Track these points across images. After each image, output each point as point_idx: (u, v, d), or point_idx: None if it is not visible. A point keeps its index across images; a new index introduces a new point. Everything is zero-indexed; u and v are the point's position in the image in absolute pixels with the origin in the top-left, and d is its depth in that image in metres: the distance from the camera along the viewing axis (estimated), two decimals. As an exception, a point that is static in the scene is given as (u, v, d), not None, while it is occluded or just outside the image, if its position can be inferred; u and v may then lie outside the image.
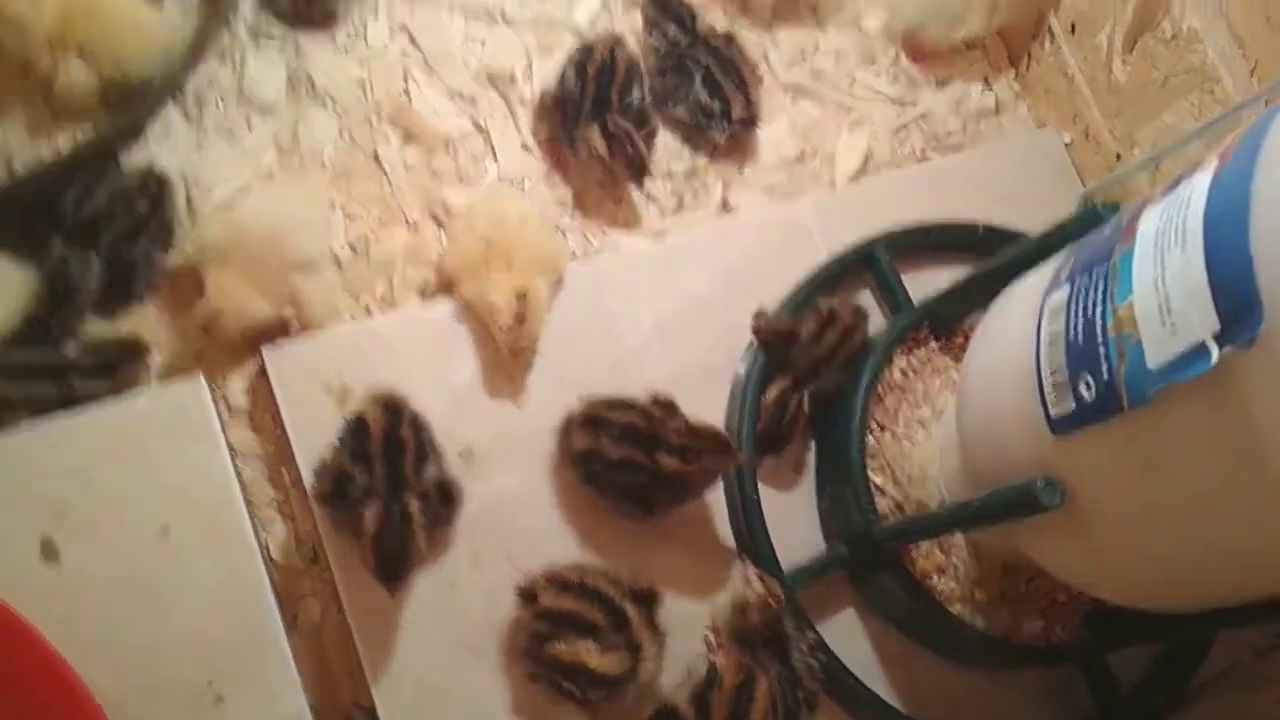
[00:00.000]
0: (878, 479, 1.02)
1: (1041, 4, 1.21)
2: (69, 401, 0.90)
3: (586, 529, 0.97)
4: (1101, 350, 0.68)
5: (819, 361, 1.03)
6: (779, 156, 1.18)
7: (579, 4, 1.16)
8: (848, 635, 1.00)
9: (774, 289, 1.08)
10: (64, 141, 0.99)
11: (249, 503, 0.92)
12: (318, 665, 0.92)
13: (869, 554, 0.97)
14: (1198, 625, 0.87)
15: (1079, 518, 0.75)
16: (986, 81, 1.27)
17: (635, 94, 1.10)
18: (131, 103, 0.99)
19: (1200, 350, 0.60)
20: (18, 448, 0.88)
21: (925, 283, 1.11)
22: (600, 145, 1.06)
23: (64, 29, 0.95)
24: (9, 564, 0.85)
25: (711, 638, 0.90)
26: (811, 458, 1.06)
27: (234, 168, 1.02)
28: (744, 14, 1.22)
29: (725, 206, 1.15)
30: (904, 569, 0.96)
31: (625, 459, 0.93)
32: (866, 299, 1.11)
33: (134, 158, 1.00)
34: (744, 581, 0.91)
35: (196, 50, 0.98)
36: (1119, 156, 1.17)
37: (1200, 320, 0.60)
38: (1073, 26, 1.19)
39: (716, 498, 1.01)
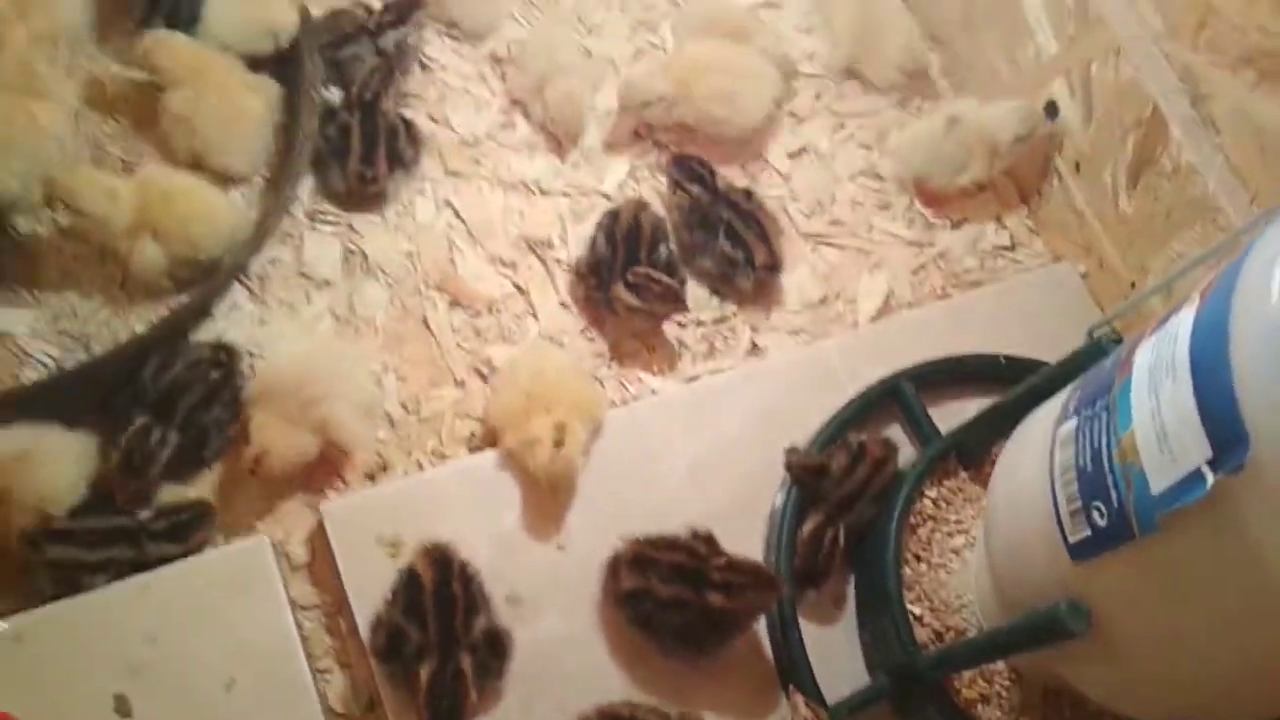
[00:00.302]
0: (916, 609, 1.04)
1: (1044, 146, 1.28)
2: (142, 564, 0.96)
3: (634, 667, 1.00)
4: (1109, 478, 0.72)
5: (852, 495, 1.07)
6: (803, 300, 1.24)
7: (608, 172, 1.25)
8: (895, 768, 1.00)
9: (804, 426, 1.12)
10: (138, 320, 1.08)
11: (309, 654, 0.97)
12: (376, 813, 0.95)
13: (912, 685, 0.99)
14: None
15: (1107, 641, 0.76)
16: (1000, 219, 1.33)
17: (662, 250, 1.18)
18: (201, 282, 1.08)
19: (1197, 476, 0.63)
20: (93, 608, 0.94)
21: (952, 414, 1.15)
22: (629, 297, 1.13)
23: (140, 215, 1.05)
24: (85, 720, 0.90)
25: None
26: (851, 589, 1.09)
27: (294, 338, 1.11)
28: (761, 173, 1.30)
29: (754, 349, 1.21)
30: (948, 699, 0.97)
31: (675, 597, 0.96)
32: (895, 432, 1.15)
33: (203, 333, 1.08)
34: (792, 712, 0.93)
35: (261, 233, 1.07)
36: (1133, 284, 1.22)
37: (1195, 447, 0.64)
38: (1077, 165, 1.26)
39: (760, 632, 1.03)
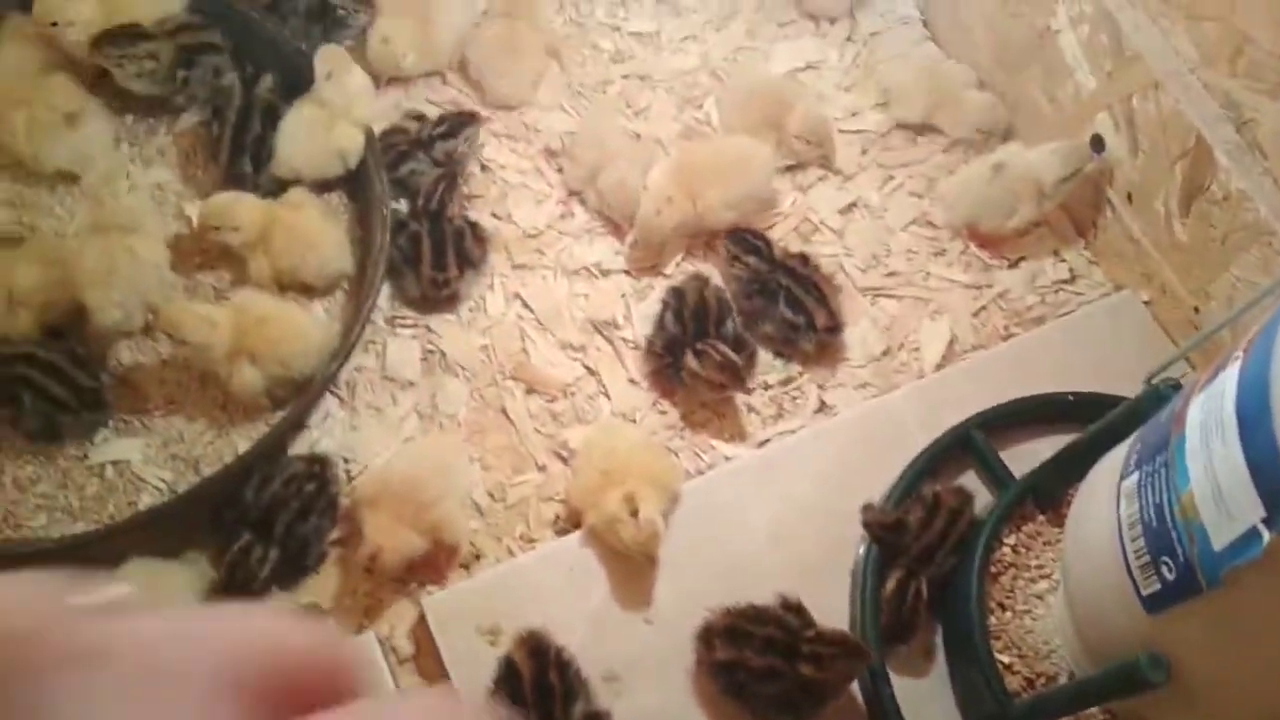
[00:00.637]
0: (1005, 658, 1.05)
1: (1095, 178, 1.29)
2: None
3: (730, 737, 1.03)
4: (1174, 534, 0.73)
5: (931, 547, 1.08)
6: (867, 354, 1.27)
7: (666, 254, 1.30)
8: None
9: (878, 479, 1.15)
10: (240, 438, 1.15)
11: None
12: None
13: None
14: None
15: (1187, 686, 0.78)
16: (1057, 253, 1.34)
17: (729, 325, 1.22)
18: (295, 397, 1.15)
19: (1254, 534, 0.65)
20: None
21: (1025, 455, 1.16)
22: (696, 365, 1.17)
23: (238, 341, 1.12)
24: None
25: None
26: (939, 639, 1.11)
27: (383, 440, 1.17)
28: (814, 234, 1.33)
29: (822, 407, 1.24)
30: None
31: (768, 668, 0.99)
32: (969, 479, 1.17)
33: (300, 444, 1.16)
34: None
35: (347, 345, 1.14)
36: (1196, 309, 1.22)
37: (1249, 506, 0.65)
38: (1129, 196, 1.26)
39: (854, 690, 1.05)
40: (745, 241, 1.26)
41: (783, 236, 1.31)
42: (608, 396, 1.22)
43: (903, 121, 1.40)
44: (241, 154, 1.23)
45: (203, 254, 1.25)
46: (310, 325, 1.16)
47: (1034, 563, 1.10)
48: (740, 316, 1.24)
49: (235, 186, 1.22)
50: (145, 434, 1.15)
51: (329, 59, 1.24)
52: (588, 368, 1.24)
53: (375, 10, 1.36)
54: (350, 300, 1.23)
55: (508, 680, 0.96)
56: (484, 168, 1.33)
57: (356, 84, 1.26)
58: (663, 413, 1.22)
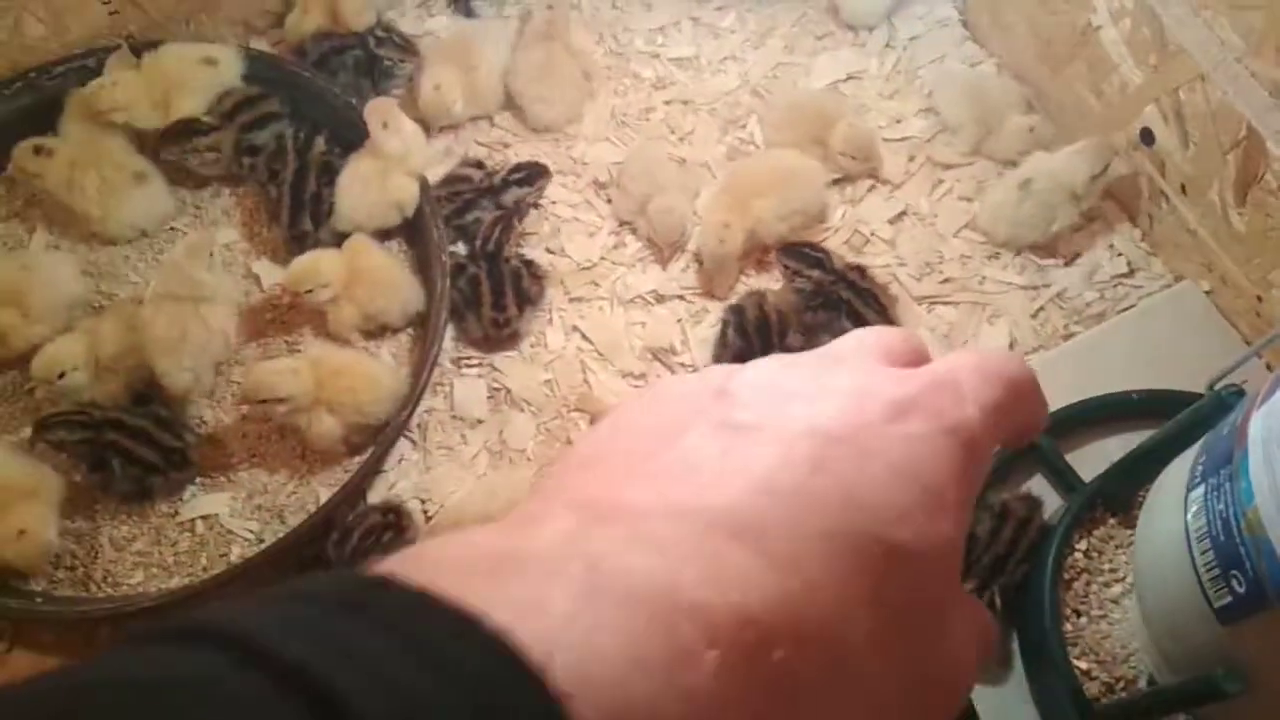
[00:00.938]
0: (1082, 664, 1.05)
1: (1131, 167, 1.28)
2: None
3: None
4: (1241, 549, 0.73)
5: (1002, 557, 1.09)
6: (926, 364, 1.27)
7: (718, 273, 1.31)
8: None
9: (946, 491, 1.15)
10: (320, 485, 1.20)
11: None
12: None
13: (1088, 742, 1.00)
14: None
15: (1267, 698, 0.78)
16: (1113, 247, 1.33)
17: (792, 339, 1.23)
18: (371, 442, 1.19)
19: (1321, 551, 0.65)
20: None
21: (1094, 456, 1.16)
22: None
23: (316, 391, 1.16)
24: None
25: None
26: (1015, 646, 1.11)
27: (457, 478, 1.21)
28: (865, 245, 1.34)
29: (885, 419, 1.24)
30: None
31: None
32: (1038, 484, 1.17)
33: (379, 487, 1.20)
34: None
35: (416, 390, 1.18)
36: (1259, 298, 1.20)
37: (1315, 522, 0.65)
38: (1183, 188, 1.25)
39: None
40: (806, 255, 1.27)
41: (835, 250, 1.32)
42: (670, 423, 1.24)
43: (960, 147, 1.40)
44: (301, 212, 1.27)
45: (273, 309, 1.30)
46: (382, 372, 1.20)
47: (1107, 566, 1.10)
48: (801, 331, 1.26)
49: (298, 244, 1.27)
50: (230, 488, 1.20)
51: (380, 111, 1.28)
52: (649, 395, 1.26)
53: (421, 59, 1.40)
54: (416, 345, 1.27)
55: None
56: (536, 205, 1.35)
57: (408, 132, 1.29)
58: (727, 436, 1.24)
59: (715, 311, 1.28)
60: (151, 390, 1.22)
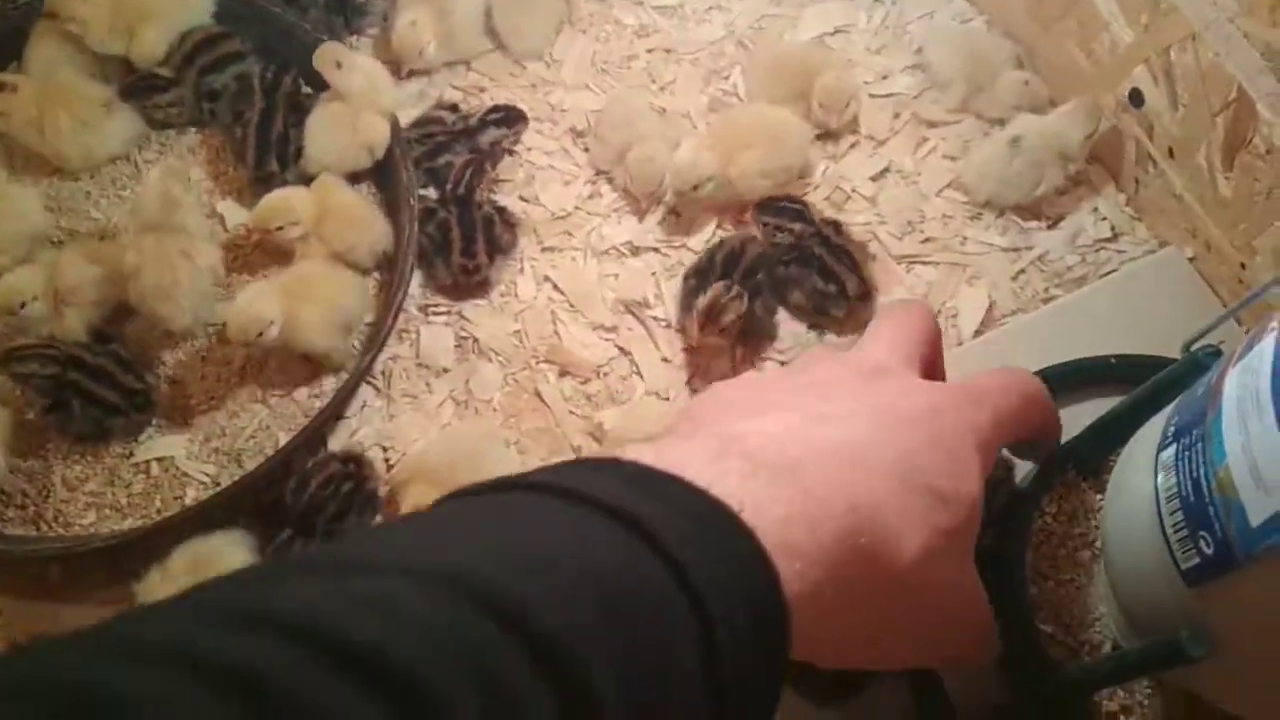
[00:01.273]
0: (1048, 627, 1.04)
1: (1117, 128, 1.26)
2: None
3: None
4: (1211, 509, 0.72)
5: (971, 519, 1.07)
6: (903, 323, 1.25)
7: (696, 230, 1.29)
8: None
9: (917, 452, 1.13)
10: (280, 429, 1.18)
11: None
12: None
13: (1050, 706, 0.99)
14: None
15: (1231, 662, 0.76)
16: (1098, 210, 1.31)
17: (759, 278, 1.21)
18: (334, 390, 1.17)
19: (1290, 511, 0.63)
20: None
21: (1068, 420, 1.13)
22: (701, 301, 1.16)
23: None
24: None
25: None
26: (983, 611, 1.09)
27: (421, 427, 1.18)
28: (846, 201, 1.31)
29: (858, 379, 1.22)
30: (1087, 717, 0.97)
31: None
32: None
33: (340, 433, 1.17)
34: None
35: (381, 334, 1.15)
36: (1243, 265, 1.18)
37: (1285, 482, 0.64)
38: (1170, 150, 1.23)
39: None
40: (785, 210, 1.24)
41: (815, 206, 1.29)
42: (641, 376, 1.22)
43: (949, 105, 1.37)
44: (268, 153, 1.24)
45: (237, 248, 1.27)
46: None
47: (1076, 530, 1.08)
48: (771, 283, 1.23)
49: (264, 186, 1.24)
50: (188, 430, 1.18)
51: (327, 55, 1.23)
52: (620, 348, 1.24)
53: (394, -3, 1.36)
54: (383, 291, 1.24)
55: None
56: (510, 152, 1.32)
57: (366, 68, 1.26)
58: (696, 391, 1.22)
59: (690, 265, 1.25)
60: (112, 329, 1.19)
